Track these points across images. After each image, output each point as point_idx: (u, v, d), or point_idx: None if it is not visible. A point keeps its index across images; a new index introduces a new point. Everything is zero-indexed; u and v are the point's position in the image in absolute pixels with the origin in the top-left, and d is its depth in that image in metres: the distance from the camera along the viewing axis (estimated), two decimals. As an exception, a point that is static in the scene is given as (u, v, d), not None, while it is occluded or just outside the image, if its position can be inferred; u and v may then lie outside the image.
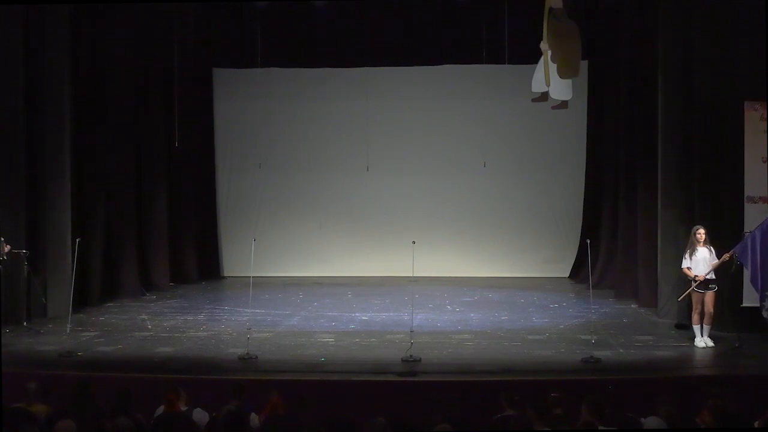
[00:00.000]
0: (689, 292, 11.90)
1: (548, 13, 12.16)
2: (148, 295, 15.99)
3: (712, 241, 11.94)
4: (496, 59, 16.18)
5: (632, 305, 14.82)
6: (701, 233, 11.84)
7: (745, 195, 12.48)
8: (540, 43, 12.34)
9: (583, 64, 14.58)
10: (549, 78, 12.39)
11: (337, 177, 18.44)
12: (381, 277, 17.54)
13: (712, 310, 11.77)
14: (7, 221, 13.14)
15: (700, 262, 11.80)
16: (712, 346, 11.72)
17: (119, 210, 15.86)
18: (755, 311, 11.59)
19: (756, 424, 7.51)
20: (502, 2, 15.26)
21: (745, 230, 11.86)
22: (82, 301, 14.19)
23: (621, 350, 11.62)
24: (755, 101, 12.39)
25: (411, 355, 11.04)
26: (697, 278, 11.78)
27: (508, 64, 15.60)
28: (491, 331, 12.99)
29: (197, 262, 17.93)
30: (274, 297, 15.80)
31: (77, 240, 12.37)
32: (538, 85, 12.78)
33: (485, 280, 17.55)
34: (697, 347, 11.73)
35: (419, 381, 10.40)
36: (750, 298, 11.92)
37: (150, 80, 16.44)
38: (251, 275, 13.33)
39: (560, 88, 12.68)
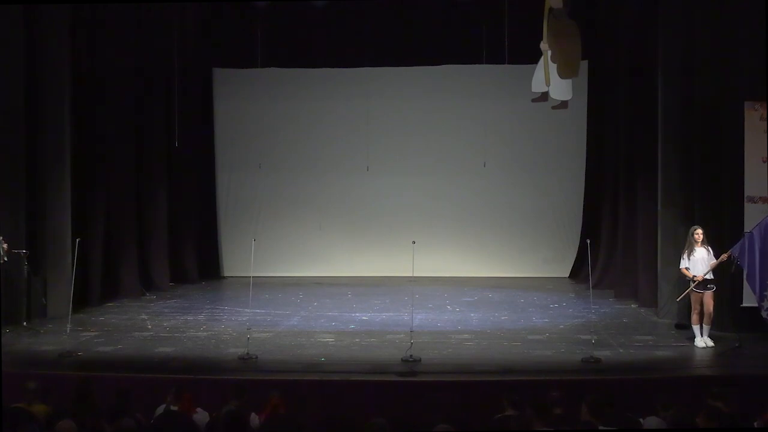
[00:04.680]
0: (688, 293, 11.90)
1: (548, 13, 12.17)
2: (148, 295, 15.99)
3: (712, 241, 11.95)
4: (496, 59, 16.20)
5: (632, 305, 14.82)
6: (699, 233, 11.85)
7: (745, 195, 12.48)
8: (540, 43, 12.34)
9: (583, 64, 14.60)
10: (549, 78, 12.40)
11: (337, 177, 18.45)
12: (381, 277, 17.54)
13: (711, 310, 11.78)
14: (7, 221, 13.14)
15: (698, 262, 11.81)
16: (712, 346, 11.72)
17: (119, 210, 15.85)
18: (755, 311, 11.59)
19: (756, 424, 7.51)
20: (502, 2, 15.26)
21: (745, 230, 11.85)
22: (82, 301, 14.19)
23: (621, 350, 11.62)
24: (755, 101, 12.40)
25: (411, 355, 11.04)
26: (695, 278, 11.79)
27: (508, 64, 15.62)
28: (491, 331, 12.99)
29: (197, 262, 17.92)
30: (274, 297, 15.80)
31: (77, 240, 12.35)
32: (538, 85, 12.79)
33: (485, 280, 17.55)
34: (697, 347, 11.73)
35: (419, 381, 10.39)
36: (749, 298, 11.91)
37: (150, 80, 16.43)
38: (251, 275, 13.33)
39: (560, 88, 12.69)
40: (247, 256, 13.52)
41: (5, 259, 12.67)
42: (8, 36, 13.29)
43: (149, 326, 13.34)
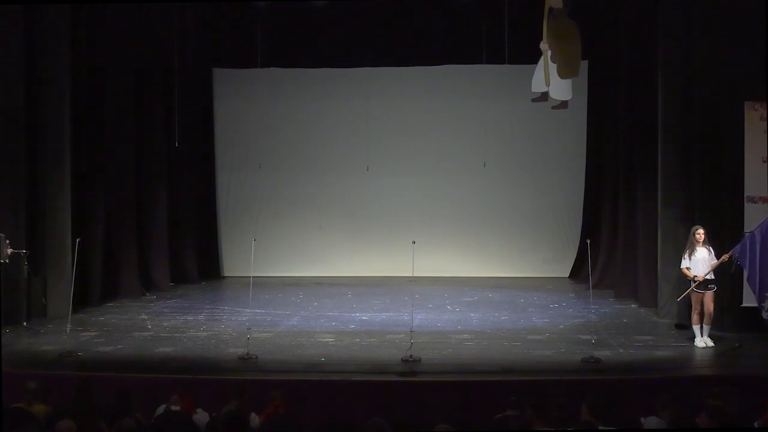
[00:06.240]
0: (688, 293, 11.90)
1: (548, 13, 12.16)
2: (148, 295, 15.99)
3: (712, 241, 11.95)
4: (496, 59, 16.18)
5: (632, 305, 14.82)
6: (700, 233, 11.85)
7: (745, 195, 12.49)
8: (540, 43, 12.34)
9: (583, 64, 14.58)
10: (549, 78, 12.38)
11: (337, 177, 18.45)
12: (381, 277, 17.53)
13: (711, 310, 11.78)
14: (7, 221, 13.14)
15: (699, 262, 11.80)
16: (712, 346, 11.72)
17: (119, 210, 15.85)
18: (755, 311, 11.58)
19: (756, 424, 7.51)
20: (502, 2, 15.26)
21: (745, 230, 11.85)
22: (82, 301, 14.18)
23: (621, 350, 11.62)
24: (755, 101, 12.40)
25: (411, 355, 11.04)
26: (696, 278, 11.78)
27: (508, 64, 15.60)
28: (491, 331, 12.99)
29: (197, 262, 17.92)
30: (274, 297, 15.80)
31: (77, 240, 12.35)
32: (538, 85, 12.78)
33: (485, 280, 17.55)
34: (697, 347, 11.73)
35: (419, 381, 10.40)
36: (750, 298, 11.91)
37: (150, 80, 16.42)
38: (251, 275, 13.33)
39: (560, 88, 12.68)
40: (247, 256, 13.52)
41: (6, 260, 12.67)
42: (8, 36, 13.29)
43: (149, 326, 13.34)
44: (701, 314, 11.81)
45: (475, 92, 17.99)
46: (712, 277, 11.80)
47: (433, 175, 18.33)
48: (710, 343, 11.75)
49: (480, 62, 16.61)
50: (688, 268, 11.88)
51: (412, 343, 11.26)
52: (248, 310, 13.56)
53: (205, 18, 17.63)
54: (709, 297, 11.77)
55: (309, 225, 18.51)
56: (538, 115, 16.22)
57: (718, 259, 11.75)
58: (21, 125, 13.49)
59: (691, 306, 11.96)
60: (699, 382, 10.01)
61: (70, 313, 12.26)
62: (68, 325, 12.02)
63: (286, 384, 9.80)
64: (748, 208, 12.43)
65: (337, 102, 18.31)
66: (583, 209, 17.82)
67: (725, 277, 11.93)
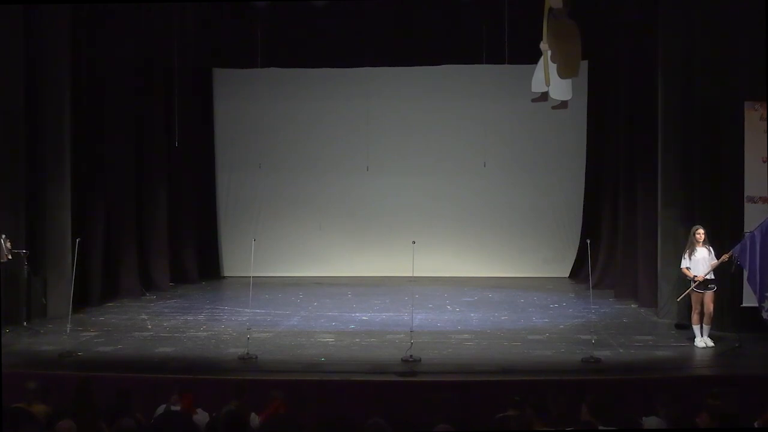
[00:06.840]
0: (688, 293, 11.90)
1: (548, 13, 12.17)
2: (148, 295, 15.98)
3: (712, 241, 11.95)
4: (496, 59, 16.18)
5: (632, 305, 14.82)
6: (701, 233, 11.84)
7: (745, 195, 12.49)
8: (540, 43, 12.34)
9: (583, 64, 14.59)
10: (549, 78, 12.39)
11: (337, 177, 18.45)
12: (381, 277, 17.53)
13: (711, 310, 11.78)
14: (7, 221, 13.13)
15: (700, 262, 11.80)
16: (712, 346, 11.72)
17: (119, 210, 15.85)
18: (755, 311, 11.58)
19: (756, 424, 7.52)
20: (502, 2, 15.26)
21: (745, 230, 11.85)
22: (82, 301, 14.18)
23: (621, 350, 11.62)
24: (755, 101, 12.40)
25: (411, 355, 11.04)
26: (696, 278, 11.78)
27: (508, 64, 15.60)
28: (491, 331, 12.99)
29: (197, 262, 17.91)
30: (274, 297, 15.80)
31: (77, 240, 12.36)
32: (538, 85, 12.79)
33: (485, 280, 17.55)
34: (697, 347, 11.73)
35: (419, 381, 10.39)
36: (750, 298, 11.91)
37: (150, 80, 16.42)
38: (251, 275, 13.33)
39: (560, 88, 12.69)
40: (247, 256, 13.52)
41: (9, 257, 12.67)
42: (8, 36, 13.28)
43: (149, 326, 13.34)
44: (701, 314, 11.81)
45: (475, 92, 17.99)
46: (712, 277, 11.80)
47: (433, 175, 18.32)
48: (710, 343, 11.75)
49: (480, 62, 16.61)
50: (688, 268, 11.88)
51: (412, 343, 11.26)
52: (248, 310, 13.56)
53: (205, 18, 17.61)
54: (709, 297, 11.77)
55: (309, 225, 18.51)
56: (538, 115, 16.23)
57: (718, 259, 11.76)
58: (21, 125, 13.48)
59: (691, 306, 11.96)
60: (699, 382, 10.00)
61: (70, 313, 12.26)
62: (68, 325, 12.02)
63: (286, 384, 9.80)
64: (748, 208, 12.43)
65: (337, 102, 18.31)
66: (583, 209, 17.82)
67: (725, 277, 11.93)
